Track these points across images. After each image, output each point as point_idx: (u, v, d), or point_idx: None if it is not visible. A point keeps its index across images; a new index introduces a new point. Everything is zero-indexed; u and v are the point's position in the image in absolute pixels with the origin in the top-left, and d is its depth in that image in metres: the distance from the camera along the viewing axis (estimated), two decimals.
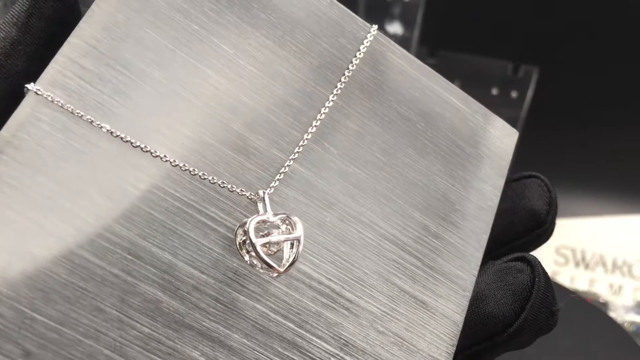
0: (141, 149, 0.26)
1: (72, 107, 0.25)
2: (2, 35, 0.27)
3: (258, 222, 0.27)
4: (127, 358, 0.24)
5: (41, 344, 0.23)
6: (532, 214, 0.34)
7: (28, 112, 0.25)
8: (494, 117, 0.35)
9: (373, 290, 0.29)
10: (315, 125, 0.30)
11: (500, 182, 0.34)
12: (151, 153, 0.26)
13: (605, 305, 0.65)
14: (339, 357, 0.28)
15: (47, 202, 0.25)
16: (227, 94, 0.29)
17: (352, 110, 0.31)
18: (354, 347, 0.28)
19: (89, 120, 0.26)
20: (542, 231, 0.34)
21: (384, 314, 0.29)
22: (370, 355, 0.29)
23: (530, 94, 0.67)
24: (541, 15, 0.67)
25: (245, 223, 0.27)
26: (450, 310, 0.31)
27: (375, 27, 0.33)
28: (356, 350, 0.28)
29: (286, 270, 0.27)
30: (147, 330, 0.25)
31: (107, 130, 0.26)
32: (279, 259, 0.27)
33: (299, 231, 0.27)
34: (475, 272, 0.32)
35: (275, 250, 0.27)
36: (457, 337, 0.31)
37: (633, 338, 0.48)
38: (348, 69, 0.31)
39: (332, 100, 0.30)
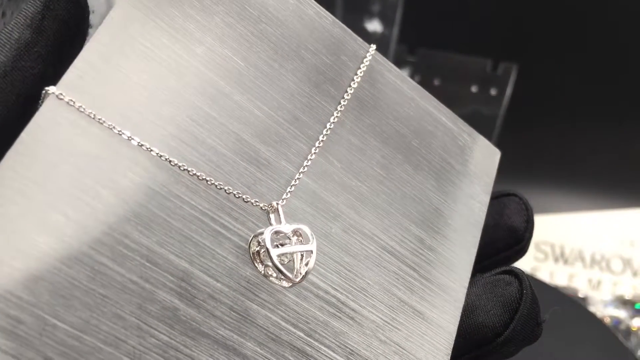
0: (159, 156, 0.26)
1: (93, 112, 0.25)
2: (16, 36, 0.26)
3: (273, 233, 0.27)
4: None
5: (62, 351, 0.23)
6: (512, 231, 0.36)
7: (48, 116, 0.25)
8: (478, 136, 0.37)
9: (375, 300, 0.30)
10: (322, 140, 0.30)
11: (486, 199, 0.36)
12: (170, 162, 0.26)
13: (584, 300, 0.68)
14: None
15: (67, 209, 0.24)
16: (239, 106, 0.29)
17: (354, 125, 0.32)
18: (359, 356, 0.29)
19: (110, 127, 0.26)
20: (520, 247, 0.36)
21: (386, 323, 0.30)
22: None
23: (509, 91, 0.68)
24: (520, 13, 0.67)
25: (262, 233, 0.27)
26: (445, 321, 0.32)
27: (374, 47, 0.34)
28: (360, 359, 0.29)
29: (300, 280, 0.27)
30: (165, 338, 0.25)
31: (127, 137, 0.26)
32: (291, 270, 0.28)
33: (313, 243, 0.28)
34: (466, 284, 0.33)
35: (286, 260, 0.28)
36: (451, 347, 0.32)
37: (613, 332, 0.51)
38: (350, 86, 0.32)
39: (336, 116, 0.31)
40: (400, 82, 0.35)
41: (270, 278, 0.27)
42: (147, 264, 0.25)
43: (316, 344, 0.28)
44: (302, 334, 0.28)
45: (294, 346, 0.28)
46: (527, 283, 0.32)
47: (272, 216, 0.28)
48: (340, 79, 0.33)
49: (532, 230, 0.36)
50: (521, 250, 0.36)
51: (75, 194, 0.25)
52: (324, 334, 0.28)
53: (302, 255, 0.28)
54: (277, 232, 0.28)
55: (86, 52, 0.26)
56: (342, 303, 0.29)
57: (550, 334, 0.35)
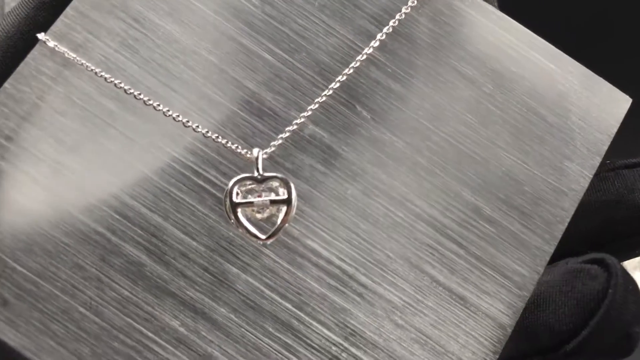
0: (144, 102, 0.25)
1: (77, 59, 0.25)
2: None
3: (247, 183, 0.24)
4: (102, 318, 0.24)
5: (18, 294, 0.24)
6: None
7: (32, 65, 0.25)
8: (596, 79, 0.28)
9: (396, 277, 0.26)
10: (339, 81, 0.26)
11: (594, 162, 0.28)
12: (154, 107, 0.25)
13: None
14: (342, 347, 0.25)
15: (41, 156, 0.25)
16: (245, 49, 0.26)
17: (395, 67, 0.27)
18: (362, 338, 0.25)
19: (93, 72, 0.25)
20: None
21: (407, 305, 0.25)
22: (382, 350, 0.25)
23: None
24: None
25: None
26: (496, 311, 0.26)
27: None
28: (364, 342, 0.25)
29: (269, 238, 0.24)
30: (126, 292, 0.24)
31: (111, 82, 0.25)
32: (262, 226, 0.25)
33: (291, 194, 0.24)
34: (540, 270, 0.26)
35: (266, 215, 0.25)
36: (502, 344, 0.26)
37: None
38: (395, 18, 0.27)
39: (367, 54, 0.27)
40: (477, 13, 0.28)
41: (245, 236, 0.25)
42: (116, 216, 0.25)
43: (306, 318, 0.25)
44: (289, 305, 0.25)
45: (277, 318, 0.25)
46: (619, 279, 0.24)
47: (261, 167, 0.25)
48: (386, 13, 0.28)
49: None
50: None
51: (50, 142, 0.25)
52: (319, 309, 0.25)
53: (283, 210, 0.25)
54: (253, 183, 0.25)
55: (77, 1, 0.26)
56: (349, 276, 0.25)
57: None
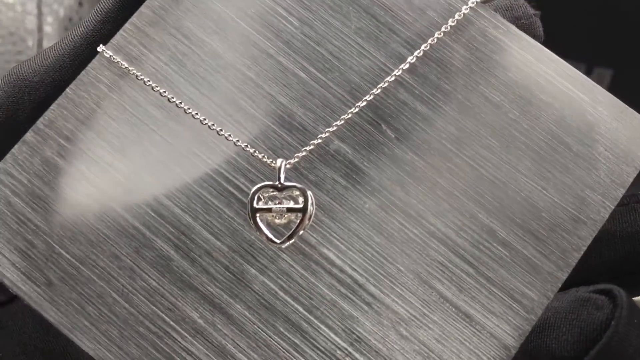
0: (184, 110, 0.28)
1: (131, 70, 0.28)
2: (101, 6, 0.30)
3: (269, 190, 0.26)
4: (131, 304, 0.27)
5: (61, 277, 0.27)
6: None
7: (92, 73, 0.28)
8: (628, 111, 0.29)
9: (404, 290, 0.27)
10: (366, 100, 0.28)
11: (617, 193, 0.28)
12: (192, 115, 0.28)
13: None
14: (346, 352, 0.26)
15: (93, 156, 0.28)
16: (282, 67, 0.28)
17: (424, 90, 0.28)
18: (366, 345, 0.26)
19: (144, 82, 0.28)
20: None
21: (413, 318, 0.27)
22: (385, 358, 0.26)
23: None
24: (618, 14, 0.57)
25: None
26: (502, 331, 0.26)
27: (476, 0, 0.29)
28: (369, 349, 0.26)
29: (283, 242, 0.26)
30: (154, 283, 0.27)
31: (157, 90, 0.28)
32: (279, 231, 0.27)
33: (307, 204, 0.26)
34: (550, 295, 0.27)
35: (285, 221, 0.27)
36: None
37: None
38: (427, 42, 0.28)
39: (395, 76, 0.28)
40: (510, 41, 0.29)
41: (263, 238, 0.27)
42: (152, 213, 0.27)
43: (315, 321, 0.27)
44: (300, 308, 0.27)
45: (288, 318, 0.27)
46: (624, 311, 0.24)
47: (283, 176, 0.27)
48: (420, 38, 0.29)
49: None
50: None
51: (101, 144, 0.28)
52: (328, 314, 0.27)
53: (300, 218, 0.26)
54: (274, 191, 0.27)
55: (136, 16, 0.29)
56: (359, 285, 0.27)
57: None
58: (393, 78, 0.28)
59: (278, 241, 0.26)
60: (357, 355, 0.26)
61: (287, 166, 0.27)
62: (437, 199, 0.27)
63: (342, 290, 0.27)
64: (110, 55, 0.28)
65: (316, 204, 0.27)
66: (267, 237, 0.26)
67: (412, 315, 0.27)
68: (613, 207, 0.28)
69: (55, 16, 0.39)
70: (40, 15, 0.39)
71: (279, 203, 0.27)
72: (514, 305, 0.27)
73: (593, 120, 0.28)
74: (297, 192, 0.27)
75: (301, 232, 0.26)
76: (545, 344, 0.25)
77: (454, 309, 0.27)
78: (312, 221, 0.27)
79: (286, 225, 0.27)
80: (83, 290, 0.27)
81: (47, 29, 0.39)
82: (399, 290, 0.27)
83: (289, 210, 0.26)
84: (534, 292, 0.27)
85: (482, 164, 0.28)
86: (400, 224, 0.27)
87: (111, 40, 0.29)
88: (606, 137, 0.28)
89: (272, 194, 0.27)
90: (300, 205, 0.26)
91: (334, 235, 0.27)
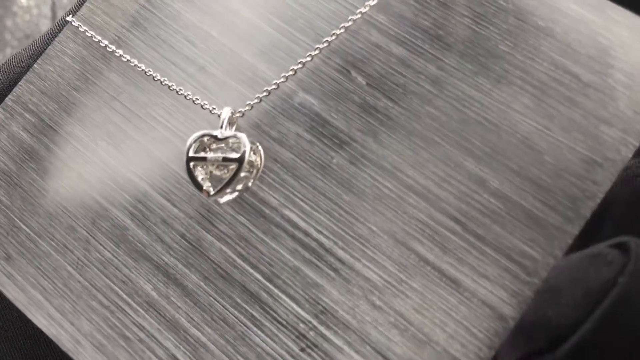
0: (145, 73, 0.26)
1: (95, 37, 0.27)
2: None
3: (207, 139, 0.24)
4: (84, 277, 0.25)
5: (20, 251, 0.26)
6: None
7: (58, 47, 0.28)
8: None
9: (377, 253, 0.23)
10: (327, 41, 0.25)
11: None
12: (153, 78, 0.26)
13: None
14: (310, 325, 0.23)
15: (55, 127, 0.27)
16: (244, 21, 0.26)
17: (399, 30, 0.25)
18: (333, 317, 0.23)
19: (107, 50, 0.27)
20: None
21: (387, 285, 0.23)
22: (354, 332, 0.22)
23: None
24: None
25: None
26: (496, 299, 0.22)
27: None
28: (336, 321, 0.23)
29: (216, 194, 0.23)
30: (108, 254, 0.25)
31: (120, 57, 0.27)
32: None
33: (243, 153, 0.23)
34: (558, 253, 0.22)
35: (230, 175, 0.24)
36: (501, 337, 0.21)
37: None
38: None
39: (363, 14, 0.25)
40: None
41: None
42: (109, 182, 0.26)
43: (276, 291, 0.23)
44: (260, 277, 0.24)
45: (246, 289, 0.24)
46: (636, 264, 0.19)
47: (224, 124, 0.24)
48: None
49: None
50: None
51: (62, 115, 0.27)
52: (290, 282, 0.23)
53: (236, 168, 0.24)
54: (215, 140, 0.24)
55: None
56: (326, 250, 0.23)
57: None
58: (359, 15, 0.25)
59: (212, 192, 0.23)
60: (322, 328, 0.23)
61: (238, 115, 0.24)
62: (415, 147, 0.24)
63: (306, 255, 0.23)
64: (78, 25, 0.27)
65: (279, 162, 0.24)
66: (198, 186, 0.23)
67: (387, 282, 0.23)
68: (638, 144, 0.22)
69: None
70: (54, 18, 0.40)
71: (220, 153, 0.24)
72: (511, 267, 0.22)
73: (607, 44, 0.23)
74: (237, 141, 0.24)
75: (249, 184, 0.24)
76: (545, 312, 0.20)
77: (436, 274, 0.22)
78: (275, 181, 0.24)
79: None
80: (40, 264, 0.25)
81: None
82: (370, 254, 0.23)
83: (225, 160, 0.23)
84: (537, 250, 0.22)
85: (468, 105, 0.24)
86: (373, 179, 0.24)
87: (78, 12, 0.28)
88: (625, 61, 0.23)
89: (218, 146, 0.24)
90: (238, 155, 0.23)
91: (298, 195, 0.24)
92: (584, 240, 0.22)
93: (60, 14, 0.42)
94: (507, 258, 0.22)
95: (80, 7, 0.30)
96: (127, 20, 0.27)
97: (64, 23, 0.30)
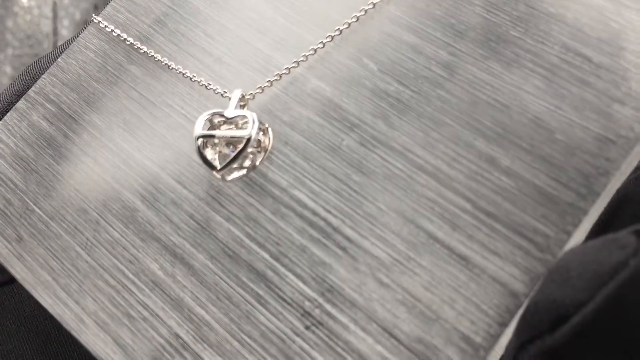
0: (161, 64, 0.27)
1: (116, 33, 0.28)
2: None
3: (218, 121, 0.24)
4: (92, 257, 0.25)
5: (32, 233, 0.26)
6: None
7: (82, 42, 0.29)
8: None
9: (385, 231, 0.23)
10: (339, 29, 0.25)
11: None
12: (168, 67, 0.27)
13: None
14: (316, 303, 0.22)
15: (74, 115, 0.27)
16: (262, 15, 0.27)
17: (411, 19, 0.25)
18: (340, 295, 0.22)
19: (127, 44, 0.28)
20: None
21: (395, 262, 0.22)
22: (361, 310, 0.22)
23: None
24: None
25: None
26: (507, 275, 0.21)
27: None
28: (342, 299, 0.22)
29: (223, 169, 0.23)
30: (117, 235, 0.25)
31: (139, 50, 0.27)
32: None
33: (250, 129, 0.23)
34: (571, 230, 0.21)
35: (229, 152, 0.24)
36: (513, 315, 0.21)
37: None
38: None
39: (374, 4, 0.25)
40: None
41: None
42: (121, 166, 0.26)
43: (282, 269, 0.23)
44: (267, 255, 0.23)
45: (253, 267, 0.23)
46: None
47: (234, 104, 0.25)
48: None
49: None
50: None
51: (83, 105, 0.28)
52: (297, 261, 0.23)
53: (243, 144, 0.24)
54: (223, 119, 0.24)
55: None
56: (334, 228, 0.23)
57: None
58: (371, 6, 0.25)
59: (219, 166, 0.23)
60: (328, 306, 0.22)
61: (248, 97, 0.25)
62: (425, 129, 0.24)
63: (314, 234, 0.23)
64: (99, 22, 0.28)
65: (289, 145, 0.24)
66: (207, 162, 0.24)
67: (395, 259, 0.22)
68: None
69: (71, 19, 0.42)
70: (55, 18, 0.42)
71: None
72: (523, 243, 0.21)
73: (619, 28, 0.23)
74: (246, 121, 0.24)
75: (256, 162, 0.24)
76: (548, 295, 0.19)
77: (445, 251, 0.22)
78: (285, 163, 0.24)
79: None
80: (49, 245, 0.25)
81: (64, 32, 0.41)
82: (379, 232, 0.23)
83: (233, 137, 0.24)
84: (549, 227, 0.21)
85: (479, 88, 0.24)
86: (383, 159, 0.23)
87: (102, 11, 0.29)
88: (637, 43, 0.23)
89: (228, 127, 0.24)
90: (243, 134, 0.24)
91: (307, 176, 0.24)
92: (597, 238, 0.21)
93: (61, 14, 0.43)
94: (518, 235, 0.21)
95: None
96: (149, 17, 0.28)
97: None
